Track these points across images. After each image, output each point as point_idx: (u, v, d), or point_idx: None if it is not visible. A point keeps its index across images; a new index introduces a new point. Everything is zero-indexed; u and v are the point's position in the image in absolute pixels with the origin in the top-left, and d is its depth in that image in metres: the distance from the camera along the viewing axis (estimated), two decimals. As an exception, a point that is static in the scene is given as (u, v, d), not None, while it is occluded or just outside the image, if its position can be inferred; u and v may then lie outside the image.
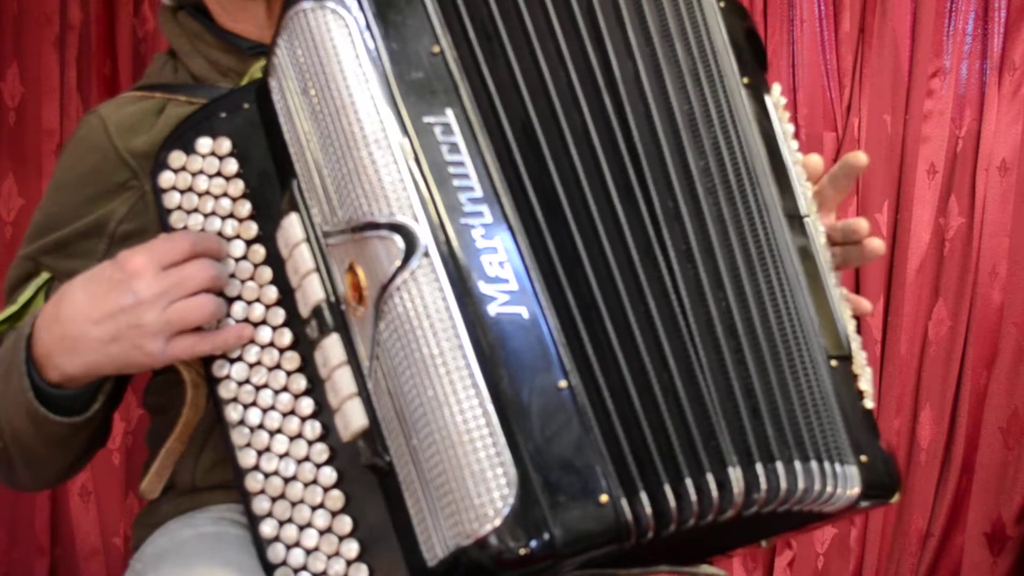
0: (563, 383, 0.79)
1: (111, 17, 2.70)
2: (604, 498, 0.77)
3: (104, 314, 0.89)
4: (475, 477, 0.76)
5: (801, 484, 0.86)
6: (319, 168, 0.86)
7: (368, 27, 0.85)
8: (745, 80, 0.98)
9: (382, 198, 0.81)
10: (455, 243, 0.80)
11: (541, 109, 0.87)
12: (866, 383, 0.94)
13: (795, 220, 0.96)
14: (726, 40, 0.98)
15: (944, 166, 2.66)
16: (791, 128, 1.01)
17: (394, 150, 0.82)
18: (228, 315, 0.92)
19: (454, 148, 0.83)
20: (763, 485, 0.84)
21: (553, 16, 0.90)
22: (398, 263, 0.80)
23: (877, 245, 1.08)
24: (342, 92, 0.84)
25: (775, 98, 1.02)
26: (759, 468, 0.85)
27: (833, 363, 0.91)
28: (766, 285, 0.91)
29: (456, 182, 0.82)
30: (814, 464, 0.87)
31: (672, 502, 0.81)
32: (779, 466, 0.85)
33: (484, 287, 0.79)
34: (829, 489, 0.87)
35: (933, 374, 2.66)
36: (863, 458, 0.88)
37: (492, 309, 0.79)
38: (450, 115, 0.84)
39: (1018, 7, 2.62)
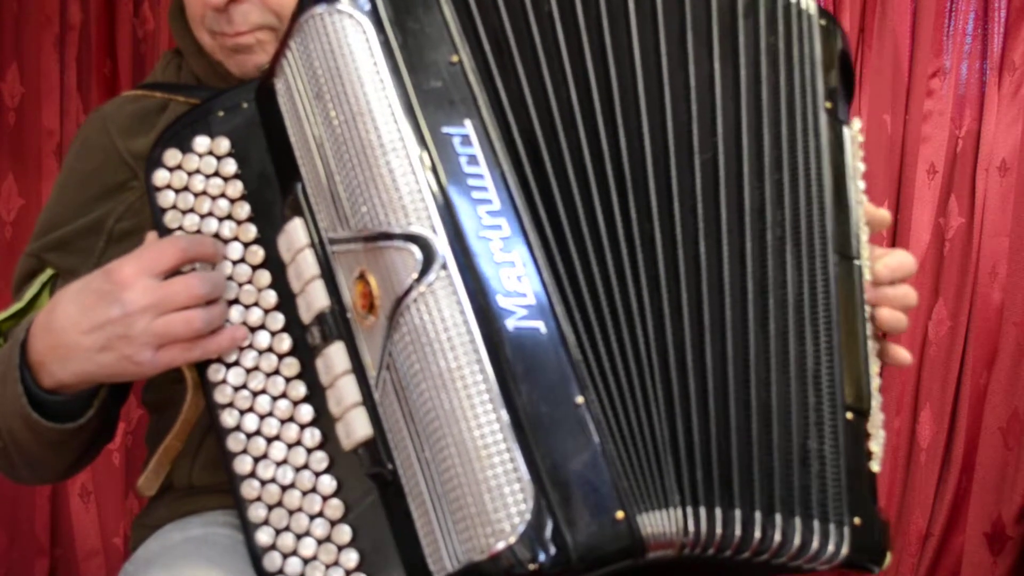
0: (579, 399, 0.78)
1: (111, 17, 2.70)
2: (620, 514, 0.76)
3: (93, 325, 0.88)
4: (491, 492, 0.75)
5: (778, 537, 0.84)
6: (330, 175, 0.85)
7: (385, 33, 0.83)
8: (828, 105, 0.96)
9: (399, 208, 0.80)
10: (474, 256, 0.79)
11: (544, 125, 0.86)
12: (877, 445, 0.90)
13: (845, 261, 0.93)
14: (818, 61, 0.96)
15: (944, 166, 2.65)
16: (862, 167, 0.98)
17: (412, 160, 0.80)
18: (228, 321, 0.91)
19: (472, 160, 0.82)
20: (756, 535, 0.83)
21: (560, 31, 0.88)
22: (415, 275, 0.79)
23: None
24: (359, 99, 0.82)
25: (853, 132, 0.98)
26: (757, 517, 0.84)
27: (849, 415, 0.88)
28: (795, 323, 0.89)
29: (475, 194, 0.81)
30: (797, 520, 0.84)
31: (679, 525, 0.81)
32: (777, 518, 0.84)
33: (502, 301, 0.78)
34: (814, 546, 0.84)
35: (933, 374, 2.66)
36: (856, 520, 0.85)
37: (510, 323, 0.78)
38: (469, 126, 0.83)
39: (1018, 7, 2.61)
